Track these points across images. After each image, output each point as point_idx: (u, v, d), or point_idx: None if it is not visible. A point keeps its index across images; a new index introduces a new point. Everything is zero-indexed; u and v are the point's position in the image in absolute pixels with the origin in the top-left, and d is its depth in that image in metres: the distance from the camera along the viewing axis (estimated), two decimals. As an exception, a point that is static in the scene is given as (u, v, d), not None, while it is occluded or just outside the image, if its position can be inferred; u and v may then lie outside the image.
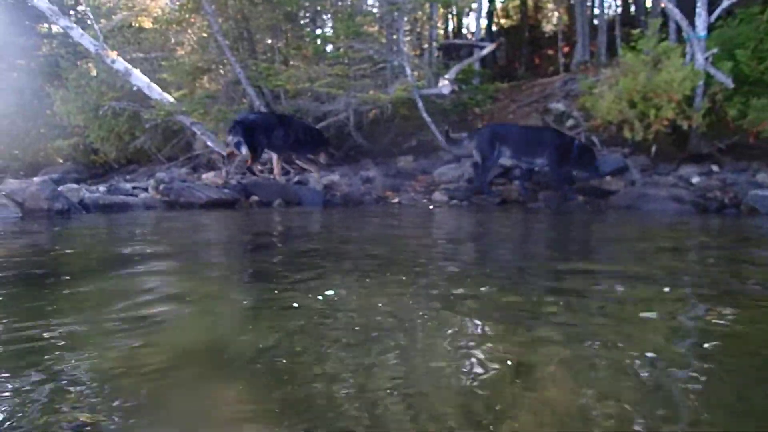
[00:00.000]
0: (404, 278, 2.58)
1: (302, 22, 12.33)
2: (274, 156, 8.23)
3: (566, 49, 15.05)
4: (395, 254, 3.45)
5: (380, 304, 2.11)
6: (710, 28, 8.04)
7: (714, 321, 1.94)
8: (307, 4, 11.18)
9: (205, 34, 11.16)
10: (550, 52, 16.06)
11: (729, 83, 7.41)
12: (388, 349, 1.61)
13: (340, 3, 12.25)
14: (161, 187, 7.14)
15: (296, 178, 8.17)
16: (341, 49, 10.23)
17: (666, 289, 2.40)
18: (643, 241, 4.08)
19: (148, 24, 12.04)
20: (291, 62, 11.56)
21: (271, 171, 8.48)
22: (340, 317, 1.95)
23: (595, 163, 7.54)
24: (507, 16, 18.97)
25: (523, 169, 7.80)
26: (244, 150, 7.43)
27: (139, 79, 9.68)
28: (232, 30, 11.02)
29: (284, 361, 1.53)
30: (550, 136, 7.61)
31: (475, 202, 7.46)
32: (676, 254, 3.62)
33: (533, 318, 1.98)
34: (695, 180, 7.25)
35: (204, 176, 8.63)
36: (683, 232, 4.89)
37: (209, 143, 9.77)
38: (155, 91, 9.71)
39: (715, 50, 7.63)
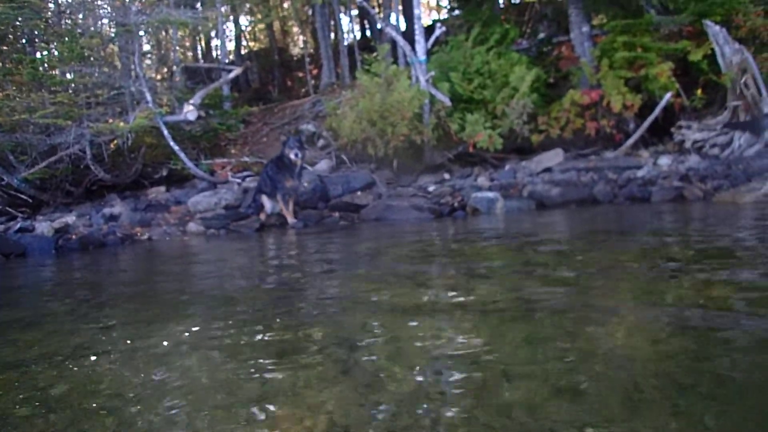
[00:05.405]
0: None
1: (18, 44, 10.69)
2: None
3: (315, 72, 15.71)
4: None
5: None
6: (429, 53, 9.11)
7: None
8: (18, 22, 9.71)
9: None
10: (301, 74, 16.60)
11: (447, 101, 8.46)
12: None
13: (63, 23, 10.93)
14: None
15: (18, 225, 6.98)
16: (68, 75, 9.12)
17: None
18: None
19: None
20: (5, 91, 9.94)
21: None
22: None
23: None
24: (255, 39, 19.10)
25: None
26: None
27: None
28: None
29: None
30: None
31: (233, 229, 7.24)
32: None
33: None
34: (431, 188, 8.08)
35: None
36: (415, 234, 5.39)
37: None
38: None
39: (432, 73, 8.66)
